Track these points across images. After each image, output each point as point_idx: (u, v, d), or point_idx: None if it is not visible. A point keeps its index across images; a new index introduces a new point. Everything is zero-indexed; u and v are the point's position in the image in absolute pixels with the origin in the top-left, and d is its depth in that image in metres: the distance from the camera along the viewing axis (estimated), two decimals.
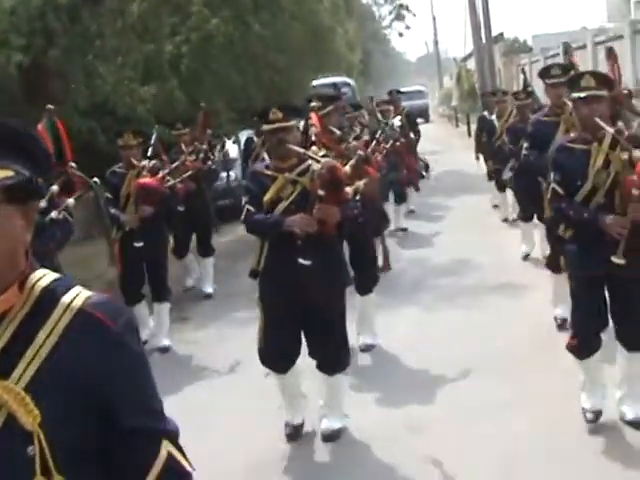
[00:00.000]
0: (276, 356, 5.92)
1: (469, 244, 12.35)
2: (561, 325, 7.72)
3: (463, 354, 7.48)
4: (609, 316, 5.58)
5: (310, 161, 5.71)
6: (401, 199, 13.96)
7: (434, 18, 72.42)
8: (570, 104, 7.08)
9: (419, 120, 15.45)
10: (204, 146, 10.92)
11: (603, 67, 8.49)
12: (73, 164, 7.26)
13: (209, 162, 11.00)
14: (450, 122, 44.04)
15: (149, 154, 9.15)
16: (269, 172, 5.79)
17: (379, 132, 9.37)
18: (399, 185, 13.30)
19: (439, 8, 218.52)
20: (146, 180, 8.49)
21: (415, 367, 7.42)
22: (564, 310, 7.37)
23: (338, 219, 5.60)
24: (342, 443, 5.99)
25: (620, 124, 5.59)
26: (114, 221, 8.80)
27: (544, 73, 7.92)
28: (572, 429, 5.73)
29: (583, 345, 5.62)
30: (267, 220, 5.66)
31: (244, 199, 5.85)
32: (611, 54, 7.45)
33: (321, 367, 5.99)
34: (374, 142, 8.63)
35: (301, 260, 5.51)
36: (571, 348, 5.69)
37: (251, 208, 5.72)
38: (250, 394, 7.02)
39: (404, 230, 14.01)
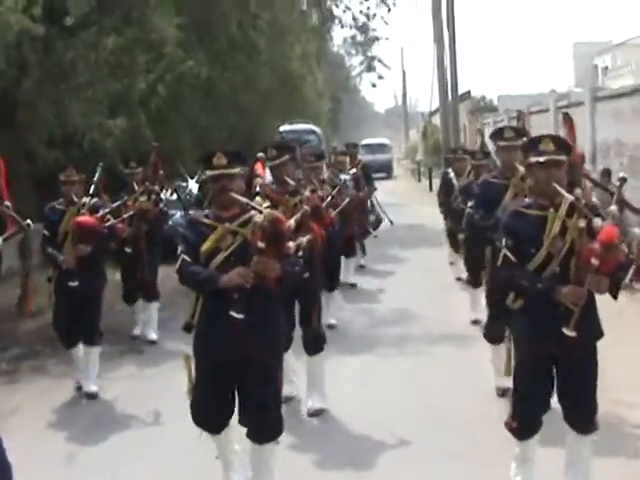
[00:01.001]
0: (208, 417, 5.56)
1: (418, 298, 12.39)
2: (502, 395, 7.46)
3: (414, 411, 7.41)
4: (554, 396, 5.33)
5: (253, 212, 5.38)
6: (349, 254, 13.41)
7: (404, 72, 73.56)
8: (520, 168, 6.98)
9: (380, 175, 15.28)
10: (156, 187, 10.52)
11: (564, 131, 8.73)
12: (8, 203, 7.03)
13: (160, 204, 10.59)
14: (413, 176, 44.62)
15: (91, 191, 8.67)
16: (208, 221, 5.45)
17: (336, 188, 9.00)
18: (348, 240, 12.45)
19: (409, 62, 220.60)
20: (84, 218, 8.13)
21: (364, 432, 7.04)
22: (503, 381, 7.24)
23: (278, 274, 5.26)
24: None
25: (578, 191, 5.28)
26: (51, 259, 8.38)
27: (497, 135, 7.63)
28: None
29: (523, 428, 5.36)
30: (203, 273, 5.30)
31: (180, 248, 5.41)
32: (567, 118, 7.37)
33: (251, 435, 5.49)
34: (329, 197, 8.16)
35: (233, 313, 5.15)
36: (510, 429, 5.41)
37: (187, 258, 5.34)
38: None
39: (353, 286, 13.54)
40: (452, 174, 12.92)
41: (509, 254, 5.25)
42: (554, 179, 5.11)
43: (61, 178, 8.36)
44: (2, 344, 10.16)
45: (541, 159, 5.14)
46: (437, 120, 42.83)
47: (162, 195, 10.94)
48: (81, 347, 8.46)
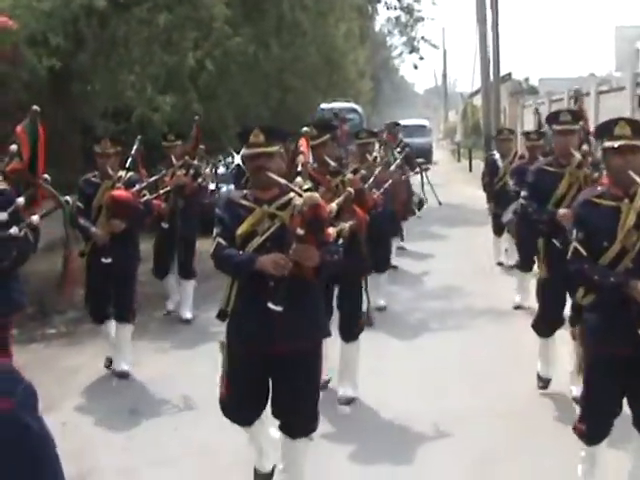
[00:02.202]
0: (239, 409, 5.22)
1: (460, 276, 12.39)
2: (543, 387, 7.38)
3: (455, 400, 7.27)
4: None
5: (292, 194, 5.00)
6: (397, 233, 13.11)
7: (445, 52, 73.13)
8: (577, 155, 6.73)
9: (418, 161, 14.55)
10: (195, 161, 10.29)
11: (604, 117, 8.53)
12: (47, 177, 6.68)
13: (200, 179, 10.39)
14: (453, 156, 44.66)
15: (127, 165, 8.45)
16: (246, 202, 5.06)
17: (381, 167, 8.71)
18: (394, 220, 12.08)
19: (450, 41, 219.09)
20: (119, 193, 7.82)
21: (397, 423, 6.78)
22: (548, 371, 7.27)
23: (316, 263, 4.83)
24: None
25: None
26: (83, 233, 8.00)
27: (552, 118, 7.15)
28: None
29: (593, 432, 4.99)
30: (238, 257, 4.91)
31: (215, 230, 5.07)
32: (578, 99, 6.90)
33: (284, 429, 5.20)
34: (372, 178, 7.81)
35: (271, 305, 4.78)
36: (579, 434, 5.05)
37: (222, 241, 4.98)
38: None
39: (394, 268, 12.79)
40: (497, 155, 12.58)
41: (580, 247, 4.87)
42: (630, 166, 4.71)
43: (96, 150, 8.04)
44: (60, 308, 10.13)
45: (616, 144, 4.74)
46: (477, 101, 42.78)
47: (203, 169, 10.79)
48: (113, 323, 8.22)
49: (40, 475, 2.19)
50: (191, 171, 10.17)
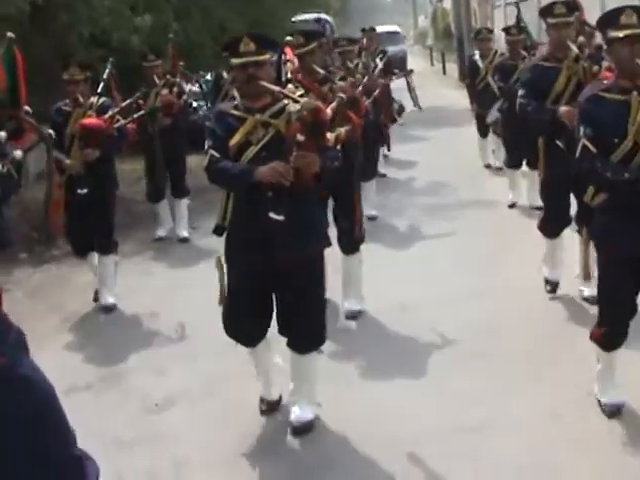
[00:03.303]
0: (243, 326, 5.07)
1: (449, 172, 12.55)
2: (551, 291, 7.17)
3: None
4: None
5: (286, 101, 4.82)
6: (385, 142, 12.85)
7: None
8: (574, 48, 6.46)
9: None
10: (177, 79, 10.16)
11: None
12: (28, 108, 6.42)
13: (183, 96, 10.24)
14: (425, 60, 44.55)
15: (99, 90, 8.05)
16: (237, 113, 4.88)
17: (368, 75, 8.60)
18: (381, 128, 11.79)
19: None
20: (90, 120, 7.44)
21: (406, 334, 6.59)
22: (554, 274, 7.14)
23: (317, 169, 4.71)
24: (314, 439, 5.08)
25: None
26: (57, 165, 7.59)
27: (546, 11, 6.74)
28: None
29: (612, 336, 4.82)
30: (234, 168, 4.76)
31: (207, 143, 4.91)
32: None
33: (292, 344, 5.08)
34: (361, 86, 7.69)
35: (273, 214, 4.63)
36: (597, 338, 4.87)
37: (215, 154, 4.82)
38: None
39: (383, 176, 12.84)
40: (477, 56, 12.37)
41: (589, 144, 4.58)
42: (638, 56, 4.43)
43: (64, 77, 7.61)
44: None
45: (621, 34, 4.46)
46: (447, 4, 42.56)
47: (186, 87, 10.61)
48: (96, 256, 7.92)
49: (43, 435, 2.17)
50: (175, 89, 10.07)
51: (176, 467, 4.90)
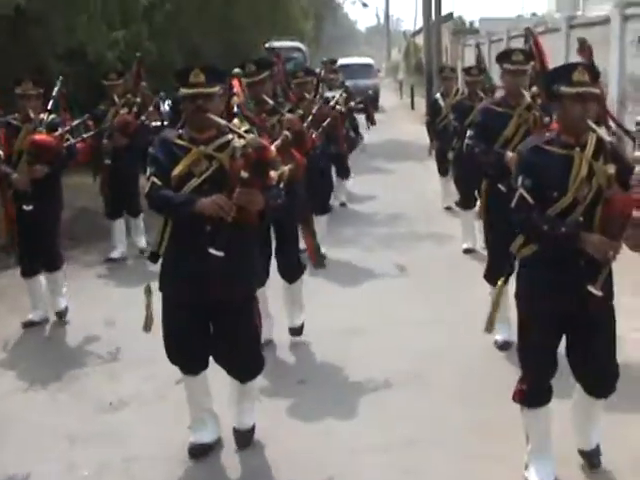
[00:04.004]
0: (182, 354, 5.07)
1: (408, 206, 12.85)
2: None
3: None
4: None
5: (231, 135, 4.85)
6: (345, 173, 13.04)
7: None
8: (527, 96, 6.57)
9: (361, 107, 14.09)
10: (137, 99, 10.08)
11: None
12: None
13: (142, 117, 10.15)
14: (395, 94, 45.15)
15: (50, 107, 7.93)
16: (182, 142, 4.86)
17: (325, 103, 8.74)
18: (340, 159, 12.14)
19: None
20: (41, 137, 7.38)
21: (349, 358, 6.84)
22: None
23: (261, 207, 4.74)
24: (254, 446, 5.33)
25: (603, 130, 4.64)
26: (3, 179, 7.47)
27: (503, 57, 6.78)
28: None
29: (534, 393, 4.72)
30: (176, 198, 4.73)
31: (149, 169, 4.85)
32: (585, 47, 6.41)
33: (231, 373, 5.18)
34: (310, 117, 7.72)
35: (212, 250, 4.64)
36: (520, 396, 4.75)
37: (157, 181, 4.77)
38: None
39: (343, 205, 13.16)
40: (438, 95, 12.45)
41: (526, 195, 4.50)
42: (588, 114, 4.44)
43: (17, 92, 7.56)
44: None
45: (574, 90, 4.42)
46: (419, 40, 43.24)
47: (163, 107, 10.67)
48: (41, 278, 7.90)
49: None
50: (134, 109, 10.01)
51: (127, 462, 5.21)
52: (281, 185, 5.18)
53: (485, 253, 8.96)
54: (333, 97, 10.50)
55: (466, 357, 6.69)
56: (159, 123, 10.97)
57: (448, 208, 12.57)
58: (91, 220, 11.31)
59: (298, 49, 27.52)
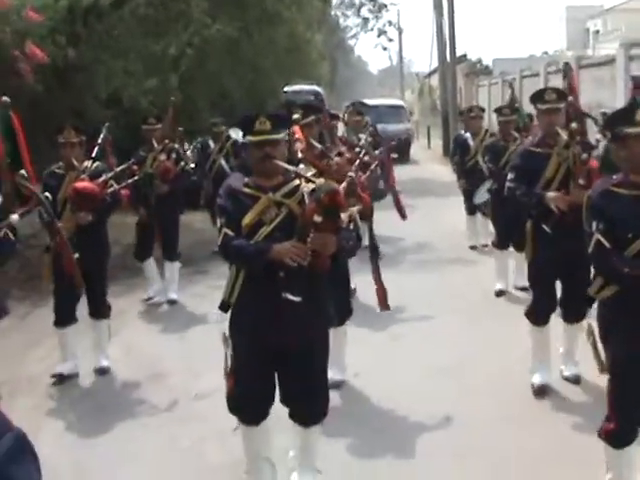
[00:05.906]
0: (248, 404, 4.97)
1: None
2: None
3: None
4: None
5: (297, 181, 4.84)
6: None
7: (400, 33, 73.90)
8: (563, 134, 6.50)
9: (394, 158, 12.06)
10: (176, 145, 10.14)
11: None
12: (23, 172, 6.37)
13: (182, 162, 10.27)
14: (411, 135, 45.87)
15: (94, 154, 7.94)
16: (249, 191, 4.81)
17: (362, 150, 8.17)
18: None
19: (404, 21, 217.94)
20: (83, 184, 7.34)
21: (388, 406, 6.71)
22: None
23: (335, 250, 4.70)
24: None
25: None
26: (48, 228, 7.32)
27: (536, 97, 6.75)
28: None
29: (622, 433, 4.68)
30: (250, 247, 4.69)
31: (220, 221, 4.83)
32: (569, 73, 6.78)
33: (295, 417, 5.06)
34: (358, 161, 7.38)
35: (289, 295, 4.62)
36: (607, 435, 4.72)
37: (229, 232, 4.73)
38: None
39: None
40: (467, 134, 12.18)
41: (602, 239, 4.50)
42: None
43: (59, 140, 7.53)
44: None
45: (639, 130, 4.42)
46: (434, 81, 43.98)
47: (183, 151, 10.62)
48: (74, 328, 7.72)
49: None
50: (173, 155, 10.04)
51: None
52: (351, 226, 5.18)
53: (517, 294, 9.51)
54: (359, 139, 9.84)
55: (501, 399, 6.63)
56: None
57: (473, 247, 12.56)
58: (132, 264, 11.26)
59: (316, 92, 27.63)
